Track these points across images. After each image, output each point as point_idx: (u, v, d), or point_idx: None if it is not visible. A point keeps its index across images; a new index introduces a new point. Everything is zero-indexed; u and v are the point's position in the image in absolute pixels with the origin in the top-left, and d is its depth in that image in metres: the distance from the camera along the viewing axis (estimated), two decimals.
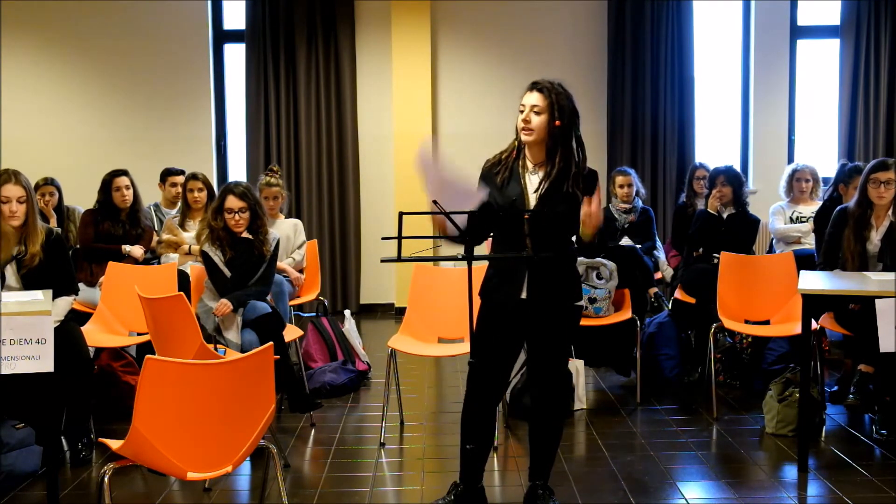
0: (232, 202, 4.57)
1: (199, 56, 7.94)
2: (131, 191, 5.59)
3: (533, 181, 3.26)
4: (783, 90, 7.91)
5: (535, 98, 3.21)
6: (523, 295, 3.26)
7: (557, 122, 3.19)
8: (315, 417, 4.74)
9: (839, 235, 4.48)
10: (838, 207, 4.60)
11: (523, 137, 3.23)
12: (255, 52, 7.74)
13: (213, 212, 4.62)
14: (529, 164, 3.30)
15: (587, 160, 3.31)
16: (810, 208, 6.04)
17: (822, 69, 8.02)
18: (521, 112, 3.23)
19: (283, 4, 7.70)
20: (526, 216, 3.17)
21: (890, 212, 4.43)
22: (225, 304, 4.46)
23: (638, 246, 5.86)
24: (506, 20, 7.86)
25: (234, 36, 8.03)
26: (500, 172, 3.30)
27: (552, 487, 3.47)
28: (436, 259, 3.35)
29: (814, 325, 4.50)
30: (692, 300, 5.37)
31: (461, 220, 3.10)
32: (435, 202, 3.15)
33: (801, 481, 3.88)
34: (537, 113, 3.20)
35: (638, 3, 7.64)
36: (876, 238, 4.44)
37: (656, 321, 5.48)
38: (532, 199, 3.24)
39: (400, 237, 2.97)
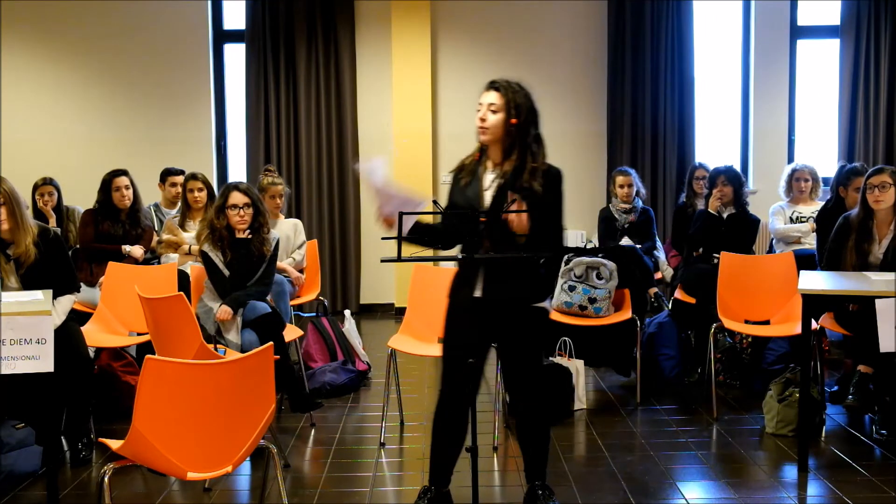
0: (236, 198, 4.57)
1: (199, 56, 7.94)
2: (131, 191, 5.59)
3: (488, 181, 3.26)
4: (783, 90, 7.91)
5: (492, 97, 3.21)
6: (477, 293, 3.24)
7: (514, 121, 3.19)
8: (315, 417, 4.74)
9: (841, 249, 4.47)
10: (843, 215, 4.59)
11: (480, 137, 3.24)
12: (255, 52, 7.74)
13: (215, 210, 4.62)
14: (490, 165, 3.29)
15: (546, 158, 3.26)
16: (810, 208, 6.04)
17: (822, 69, 8.03)
18: (479, 111, 3.23)
19: (283, 4, 7.70)
20: (482, 218, 3.09)
21: (893, 225, 4.42)
22: (225, 311, 4.46)
23: (638, 246, 5.86)
24: (506, 20, 7.86)
25: (234, 36, 8.03)
26: (464, 176, 3.32)
27: (552, 487, 3.47)
28: (436, 259, 3.35)
29: (814, 325, 4.50)
30: (692, 300, 5.37)
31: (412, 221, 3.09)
32: (435, 202, 3.15)
33: (801, 481, 3.88)
34: (494, 111, 3.19)
35: (638, 3, 7.64)
36: (878, 251, 4.43)
37: (656, 321, 5.48)
38: (487, 199, 3.23)
39: (400, 237, 2.97)
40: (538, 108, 3.26)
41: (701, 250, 5.57)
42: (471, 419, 3.04)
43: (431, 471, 3.43)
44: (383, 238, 3.03)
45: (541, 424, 3.42)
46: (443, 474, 3.42)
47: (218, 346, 4.46)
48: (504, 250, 3.11)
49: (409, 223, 3.06)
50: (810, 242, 5.85)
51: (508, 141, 3.22)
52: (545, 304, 3.35)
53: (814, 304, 4.01)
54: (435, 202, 3.14)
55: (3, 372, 3.20)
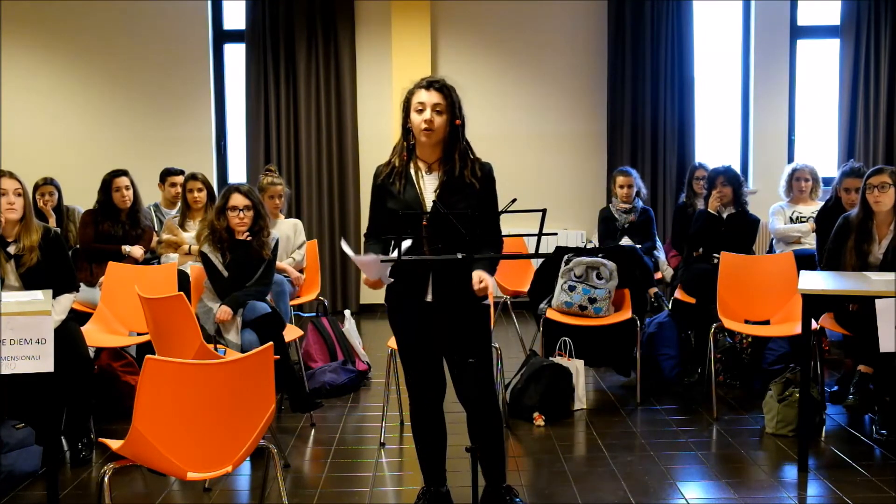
0: (237, 200, 4.57)
1: (199, 56, 7.94)
2: (131, 191, 5.59)
3: (428, 182, 3.20)
4: (783, 90, 7.91)
5: (435, 97, 3.12)
6: (429, 298, 3.20)
7: (458, 122, 3.16)
8: (315, 417, 4.74)
9: (840, 250, 4.47)
10: (842, 216, 4.59)
11: (423, 138, 3.14)
12: (255, 52, 7.74)
13: (216, 211, 4.63)
14: (423, 165, 3.22)
15: (478, 157, 3.26)
16: (810, 208, 6.04)
17: (822, 69, 8.03)
18: (420, 111, 3.13)
19: (283, 4, 7.70)
20: (424, 221, 3.09)
21: (892, 225, 4.42)
22: (225, 312, 4.46)
23: (638, 246, 5.86)
24: (506, 20, 7.86)
25: (234, 36, 8.03)
26: (396, 180, 3.21)
27: (512, 487, 3.44)
28: (435, 259, 3.34)
29: (814, 325, 4.50)
30: (692, 300, 5.37)
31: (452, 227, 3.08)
32: (435, 202, 3.14)
33: (801, 481, 3.88)
34: (439, 112, 3.13)
35: (638, 3, 7.64)
36: (878, 251, 4.42)
37: (656, 321, 5.48)
38: (428, 201, 3.16)
39: (400, 237, 2.97)
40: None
41: (701, 250, 5.57)
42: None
43: (424, 472, 3.43)
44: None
45: (494, 425, 3.35)
46: (436, 474, 3.42)
47: (218, 346, 4.46)
48: (452, 251, 3.01)
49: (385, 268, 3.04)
50: (810, 242, 5.85)
51: (449, 142, 3.18)
52: (488, 301, 3.30)
53: (814, 304, 4.00)
54: (435, 202, 3.14)
55: (3, 372, 3.20)
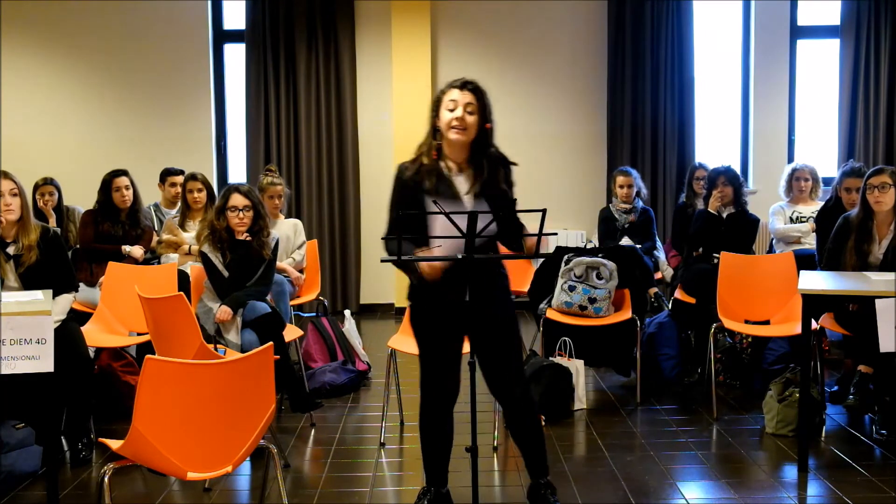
0: (237, 199, 4.58)
1: (199, 56, 7.94)
2: (131, 191, 5.59)
3: (461, 182, 3.20)
4: (783, 90, 7.91)
5: (469, 97, 3.14)
6: (465, 297, 3.14)
7: (489, 125, 3.17)
8: (315, 417, 4.74)
9: (840, 250, 4.47)
10: (842, 216, 4.59)
11: (453, 136, 3.14)
12: (255, 52, 7.74)
13: (216, 211, 4.62)
14: (452, 165, 3.23)
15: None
16: (810, 208, 6.04)
17: (822, 69, 8.03)
18: (451, 110, 3.14)
19: (283, 4, 7.70)
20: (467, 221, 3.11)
21: (892, 225, 4.42)
22: (225, 312, 4.46)
23: (638, 246, 5.86)
24: (506, 20, 7.86)
25: (234, 36, 8.03)
26: (426, 178, 3.20)
27: (553, 484, 3.47)
28: (435, 259, 3.34)
29: (814, 325, 4.50)
30: (692, 300, 5.37)
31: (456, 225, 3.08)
32: (435, 202, 3.14)
33: (801, 481, 3.88)
34: (471, 112, 3.14)
35: (638, 4, 7.64)
36: (878, 252, 4.42)
37: (656, 321, 5.47)
38: (465, 200, 3.16)
39: (400, 237, 2.97)
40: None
41: (701, 250, 5.57)
42: (471, 419, 3.04)
43: (427, 473, 3.43)
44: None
45: (534, 423, 3.41)
46: (439, 475, 3.42)
47: (218, 346, 4.46)
48: (490, 251, 3.07)
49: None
50: (810, 242, 5.85)
51: (478, 143, 3.19)
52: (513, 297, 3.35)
53: (814, 304, 4.00)
54: (435, 202, 3.13)
55: (3, 372, 3.20)
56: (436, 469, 3.42)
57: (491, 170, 3.19)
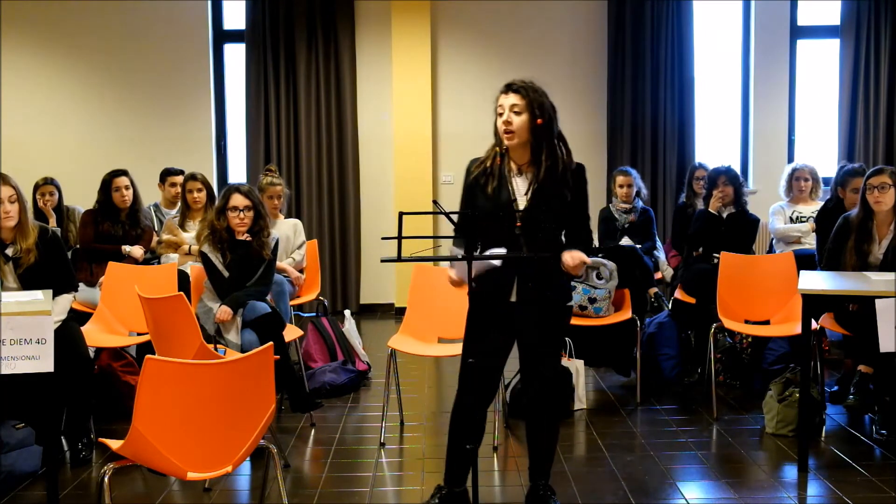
0: (237, 200, 4.57)
1: (199, 56, 7.94)
2: (131, 191, 5.59)
3: (519, 183, 3.23)
4: (783, 90, 7.91)
5: (513, 99, 3.17)
6: (513, 298, 3.23)
7: (539, 121, 3.17)
8: (315, 417, 4.74)
9: (840, 250, 4.47)
10: (842, 216, 4.59)
11: (506, 141, 3.19)
12: (255, 52, 7.74)
13: (216, 212, 4.62)
14: (514, 167, 3.26)
15: (572, 154, 3.30)
16: (810, 208, 6.04)
17: (822, 69, 8.03)
18: (501, 115, 3.18)
19: (283, 4, 7.70)
20: (518, 222, 3.13)
21: (892, 225, 4.42)
22: (225, 312, 4.46)
23: (638, 246, 5.86)
24: (506, 20, 7.86)
25: (234, 36, 8.03)
26: (489, 182, 3.24)
27: (553, 487, 3.47)
28: (436, 259, 3.35)
29: (814, 325, 4.50)
30: (692, 300, 5.37)
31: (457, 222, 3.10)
32: (435, 202, 3.15)
33: (801, 481, 3.88)
34: (517, 113, 3.16)
35: (638, 4, 7.64)
36: (878, 252, 4.42)
37: (656, 321, 5.47)
38: (522, 202, 3.20)
39: (400, 237, 2.97)
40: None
41: (701, 250, 5.57)
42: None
43: (447, 470, 3.42)
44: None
45: (554, 424, 3.43)
46: (458, 475, 3.40)
47: (218, 346, 4.46)
48: (535, 252, 3.09)
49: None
50: (810, 242, 5.85)
51: (535, 142, 3.20)
52: (572, 302, 3.37)
53: (814, 304, 4.00)
54: (435, 202, 3.14)
55: (3, 372, 3.20)
56: (457, 468, 3.40)
57: (549, 167, 3.19)
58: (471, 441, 3.30)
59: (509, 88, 3.19)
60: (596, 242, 6.47)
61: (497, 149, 3.27)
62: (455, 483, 3.41)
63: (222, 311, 4.46)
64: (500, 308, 3.25)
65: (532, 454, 3.46)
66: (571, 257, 3.13)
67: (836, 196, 5.34)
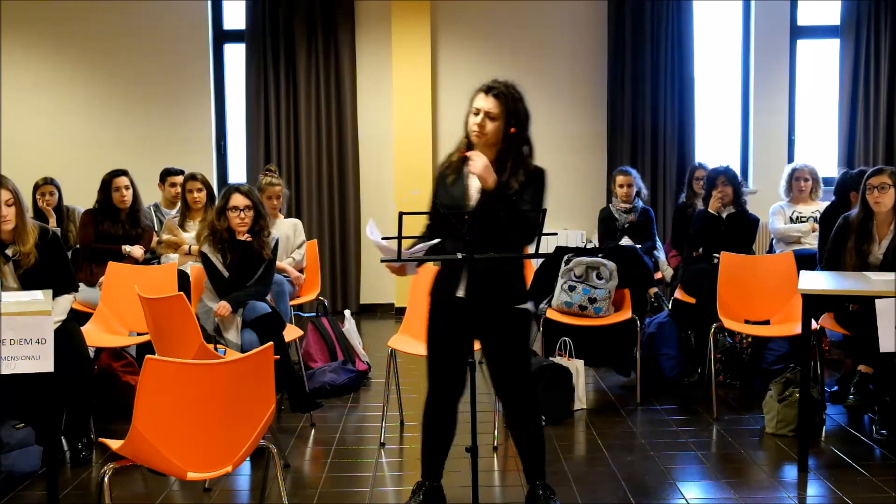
0: (238, 200, 4.58)
1: (199, 56, 7.94)
2: (131, 191, 5.58)
3: (475, 182, 3.23)
4: (783, 90, 7.91)
5: (490, 104, 3.16)
6: (460, 293, 3.22)
7: (513, 130, 3.18)
8: (315, 417, 4.74)
9: (840, 250, 4.47)
10: (842, 216, 4.59)
11: (473, 138, 3.21)
12: (255, 52, 7.73)
13: (216, 212, 4.62)
14: None
15: (534, 158, 3.28)
16: (810, 208, 6.04)
17: (822, 69, 8.02)
18: (476, 115, 3.18)
19: (283, 4, 7.70)
20: (466, 217, 3.10)
21: (892, 225, 4.42)
22: (224, 307, 4.46)
23: (638, 246, 5.86)
24: (506, 20, 7.86)
25: (234, 36, 8.03)
26: (451, 173, 3.29)
27: (552, 486, 3.47)
28: (436, 259, 3.34)
29: (814, 325, 4.50)
30: (692, 300, 5.37)
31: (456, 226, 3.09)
32: (436, 202, 3.15)
33: (801, 481, 3.88)
34: (492, 119, 3.16)
35: (638, 4, 7.64)
36: (878, 252, 4.43)
37: (656, 321, 5.47)
38: (473, 200, 3.20)
39: (400, 237, 2.97)
40: (530, 110, 3.26)
41: (701, 250, 5.57)
42: (471, 419, 3.04)
43: (424, 466, 3.45)
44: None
45: (534, 425, 3.40)
46: (435, 469, 3.45)
47: (218, 346, 4.46)
48: (488, 251, 3.05)
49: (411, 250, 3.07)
50: (810, 242, 5.85)
51: (503, 147, 3.20)
52: (528, 305, 3.32)
53: (814, 304, 4.01)
54: (435, 202, 3.14)
55: (3, 372, 3.20)
56: (433, 463, 3.44)
57: (510, 174, 3.18)
58: (444, 436, 3.37)
59: (489, 91, 3.18)
60: (596, 242, 6.48)
61: (465, 142, 3.28)
62: (433, 477, 3.44)
63: (221, 306, 4.45)
64: (451, 303, 3.24)
65: (522, 458, 3.45)
66: (478, 163, 3.09)
67: (840, 199, 5.32)
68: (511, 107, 3.17)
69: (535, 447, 3.42)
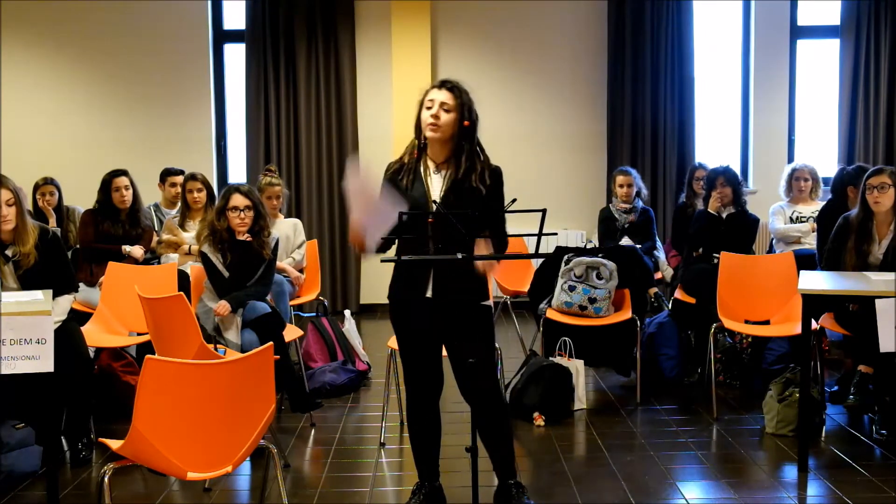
0: (238, 200, 4.58)
1: (199, 56, 7.94)
2: (131, 191, 5.58)
3: (435, 181, 3.24)
4: (783, 90, 7.91)
5: (444, 96, 3.19)
6: (428, 294, 3.23)
7: (466, 123, 3.19)
8: (315, 417, 4.74)
9: (840, 250, 4.47)
10: (842, 216, 4.59)
11: (429, 134, 3.20)
12: (255, 52, 7.74)
13: (217, 212, 4.63)
14: (431, 165, 3.27)
15: (490, 160, 3.29)
16: (810, 208, 6.04)
17: (822, 69, 8.03)
18: (429, 108, 3.19)
19: (283, 4, 7.70)
20: (430, 219, 3.09)
21: (892, 225, 4.43)
22: (224, 306, 4.46)
23: (638, 246, 5.86)
24: (506, 20, 7.86)
25: (234, 36, 8.03)
26: (405, 176, 3.27)
27: (522, 483, 3.46)
28: (435, 259, 3.34)
29: (814, 325, 4.50)
30: (692, 300, 5.37)
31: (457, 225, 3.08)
32: (436, 202, 3.15)
33: (801, 481, 3.88)
34: (447, 111, 3.18)
35: (638, 4, 7.64)
36: (878, 251, 4.43)
37: (656, 321, 5.48)
38: (436, 200, 3.20)
39: (400, 237, 2.96)
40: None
41: (701, 250, 5.57)
42: (471, 419, 3.04)
43: (418, 468, 3.47)
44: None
45: (501, 422, 3.39)
46: (430, 469, 3.46)
47: (218, 346, 4.46)
48: (452, 250, 2.99)
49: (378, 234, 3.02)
50: (810, 242, 5.85)
51: (457, 142, 3.22)
52: (489, 302, 3.34)
53: (814, 304, 4.01)
54: (436, 202, 3.14)
55: (3, 372, 3.20)
56: (426, 463, 3.45)
57: (467, 168, 3.20)
58: (430, 435, 3.39)
59: (443, 85, 3.22)
60: (596, 242, 6.48)
61: (415, 141, 3.28)
62: (430, 478, 3.45)
63: (221, 306, 4.45)
64: (418, 303, 3.24)
65: (491, 456, 3.43)
66: (483, 263, 3.11)
67: (838, 197, 5.32)
68: (466, 99, 3.20)
69: (505, 445, 3.41)
